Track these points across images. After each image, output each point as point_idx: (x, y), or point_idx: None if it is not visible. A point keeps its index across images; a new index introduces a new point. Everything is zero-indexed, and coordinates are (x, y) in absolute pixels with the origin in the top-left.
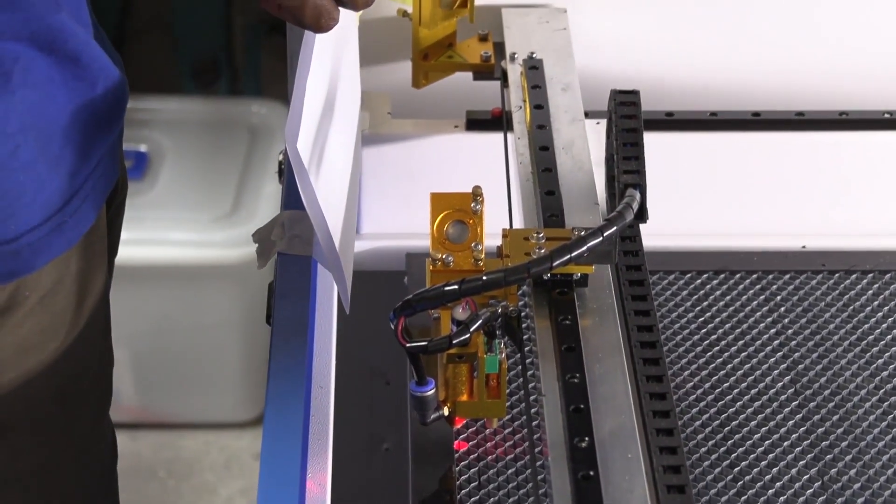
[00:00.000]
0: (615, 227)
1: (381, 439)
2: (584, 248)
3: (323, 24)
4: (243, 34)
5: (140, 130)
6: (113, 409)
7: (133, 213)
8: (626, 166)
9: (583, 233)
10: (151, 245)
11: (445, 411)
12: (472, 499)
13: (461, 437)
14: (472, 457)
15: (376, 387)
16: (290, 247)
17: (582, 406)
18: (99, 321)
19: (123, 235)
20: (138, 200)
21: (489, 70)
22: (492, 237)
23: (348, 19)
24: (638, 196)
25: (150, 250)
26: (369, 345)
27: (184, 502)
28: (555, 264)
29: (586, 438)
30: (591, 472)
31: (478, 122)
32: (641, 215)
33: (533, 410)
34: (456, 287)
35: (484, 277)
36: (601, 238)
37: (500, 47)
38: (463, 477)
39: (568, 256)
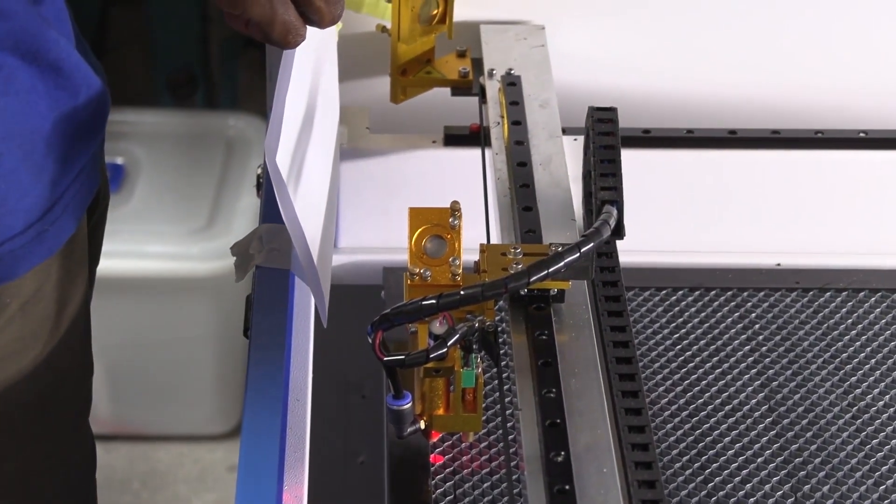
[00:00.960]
0: (592, 244)
1: (357, 453)
2: (562, 263)
3: (291, 40)
4: (220, 47)
5: (116, 143)
6: None
7: (109, 225)
8: (604, 183)
9: (560, 249)
10: (127, 257)
11: (422, 425)
12: None
13: (437, 450)
14: (447, 470)
15: (352, 400)
16: (269, 260)
17: (558, 420)
18: (79, 329)
19: None
20: (114, 213)
21: (467, 86)
22: (469, 252)
23: (327, 34)
24: (615, 212)
25: (125, 263)
26: (345, 358)
27: None
28: (532, 280)
29: (562, 453)
30: (567, 487)
31: (456, 138)
32: (618, 232)
33: (509, 425)
34: (434, 301)
35: (461, 292)
36: (578, 254)
37: (478, 63)
38: (439, 490)
39: (545, 272)
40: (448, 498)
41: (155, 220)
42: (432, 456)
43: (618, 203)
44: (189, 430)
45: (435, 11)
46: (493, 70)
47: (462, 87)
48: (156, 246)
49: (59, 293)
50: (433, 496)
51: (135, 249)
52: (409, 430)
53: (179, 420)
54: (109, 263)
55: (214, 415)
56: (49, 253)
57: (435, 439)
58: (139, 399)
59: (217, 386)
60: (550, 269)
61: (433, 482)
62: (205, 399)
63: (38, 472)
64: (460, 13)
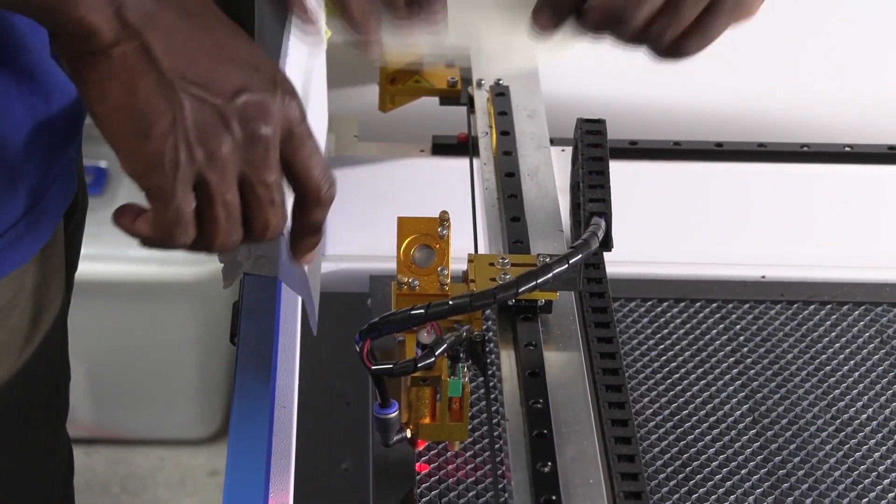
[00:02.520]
0: (580, 255)
1: (341, 459)
2: (550, 275)
3: (177, 237)
4: None
5: (100, 146)
6: (68, 425)
7: (92, 228)
8: (592, 194)
9: (548, 259)
10: (110, 261)
11: (408, 433)
12: None
13: (423, 459)
14: (433, 479)
15: (336, 407)
16: (257, 267)
17: (545, 431)
18: (56, 336)
19: (82, 250)
20: (97, 216)
21: (456, 95)
22: (457, 262)
23: (316, 42)
24: (603, 224)
25: (108, 266)
26: (330, 365)
27: None
28: (521, 290)
29: (549, 463)
30: (554, 497)
31: (444, 147)
32: (606, 243)
33: (495, 434)
34: (422, 311)
35: (450, 302)
36: (567, 266)
37: (467, 73)
38: (424, 499)
39: (534, 283)
40: None
41: None
42: (418, 464)
43: (606, 215)
44: (170, 434)
45: None
46: (481, 80)
47: (450, 96)
48: (138, 249)
49: (35, 301)
50: None
51: (117, 253)
52: (395, 438)
53: (160, 424)
54: (92, 267)
55: (195, 419)
56: (24, 260)
57: (421, 448)
58: (120, 402)
59: (198, 390)
60: (539, 280)
61: (419, 490)
62: (186, 403)
63: (15, 479)
64: None
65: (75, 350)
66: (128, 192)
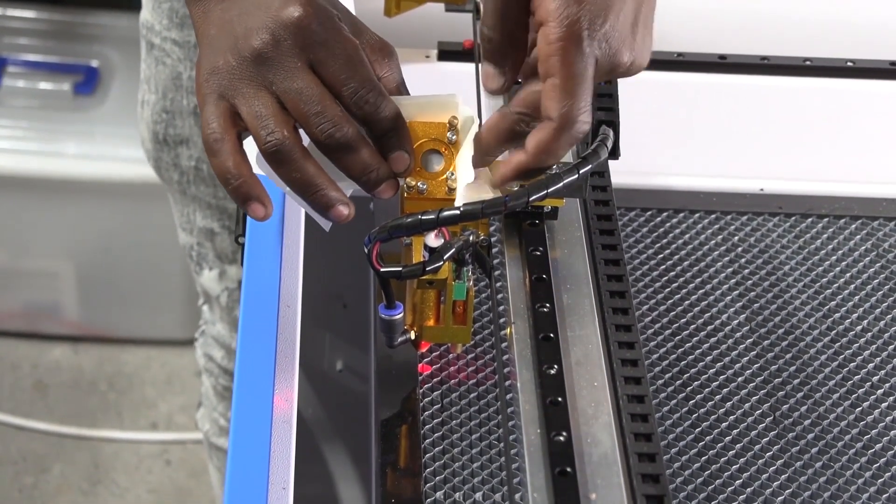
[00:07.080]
0: (591, 165)
1: (338, 360)
2: (561, 184)
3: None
4: None
5: (90, 45)
6: (56, 322)
7: (82, 127)
8: (601, 103)
9: (555, 168)
10: (100, 160)
11: (412, 335)
12: (435, 420)
13: (425, 360)
14: (435, 380)
15: (333, 308)
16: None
17: (551, 335)
18: None
19: (72, 149)
20: (88, 115)
21: (461, 2)
22: None
23: None
24: (612, 134)
25: (98, 165)
26: (328, 267)
27: (124, 416)
28: (532, 199)
29: (555, 366)
30: (560, 399)
31: (450, 54)
32: (614, 152)
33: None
34: (433, 217)
35: (461, 209)
36: (577, 175)
37: None
38: (426, 399)
39: (545, 192)
40: (435, 406)
41: (128, 124)
42: (420, 366)
43: (615, 124)
44: (157, 334)
45: None
46: None
47: (456, 3)
48: (128, 149)
49: None
50: (420, 404)
51: (108, 152)
52: (399, 339)
53: (148, 324)
54: (82, 166)
55: (183, 320)
56: None
57: (424, 350)
58: (108, 302)
59: (185, 291)
60: (549, 190)
61: (421, 391)
62: (174, 304)
63: None
64: None
65: (64, 248)
66: (118, 92)
